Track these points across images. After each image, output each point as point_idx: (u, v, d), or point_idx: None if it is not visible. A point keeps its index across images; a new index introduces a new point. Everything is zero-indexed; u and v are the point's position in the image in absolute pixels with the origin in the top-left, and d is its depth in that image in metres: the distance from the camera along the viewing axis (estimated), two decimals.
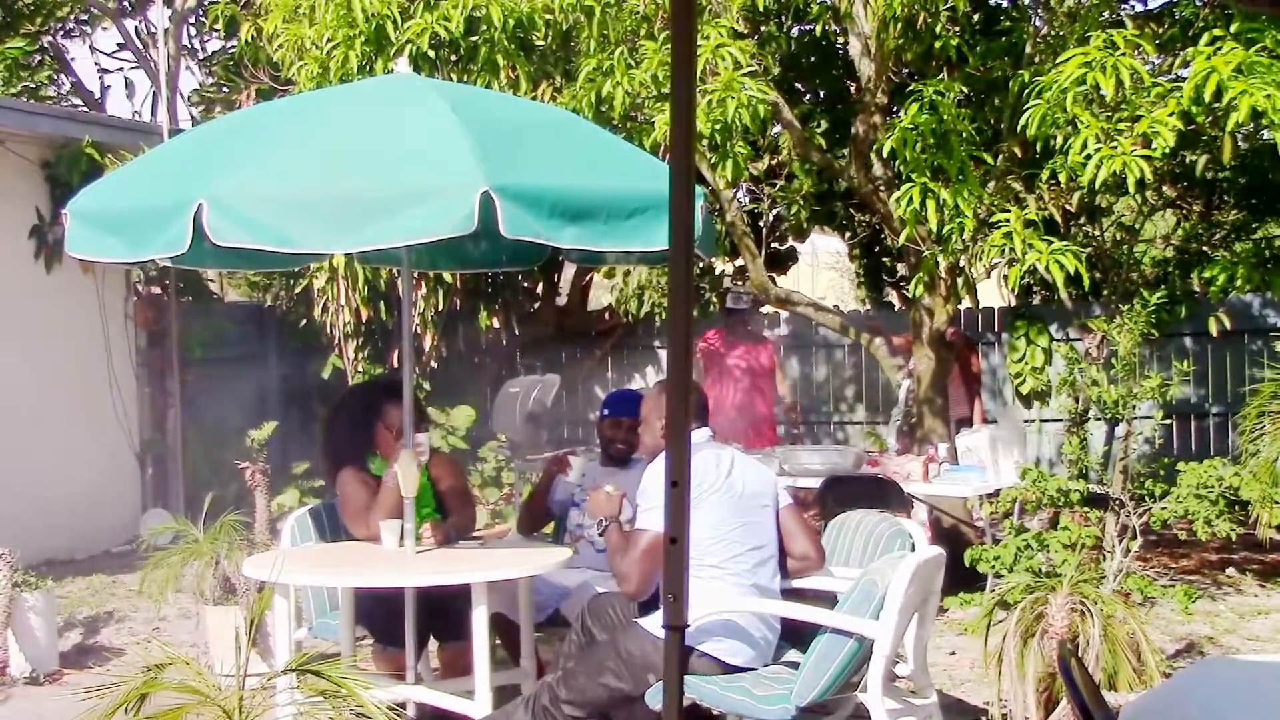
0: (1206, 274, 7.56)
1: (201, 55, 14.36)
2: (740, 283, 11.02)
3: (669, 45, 6.95)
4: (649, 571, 4.35)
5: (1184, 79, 6.30)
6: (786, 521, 4.63)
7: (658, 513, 4.26)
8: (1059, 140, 6.37)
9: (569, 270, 11.77)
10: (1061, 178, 6.77)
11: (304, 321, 10.73)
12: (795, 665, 4.30)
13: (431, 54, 7.38)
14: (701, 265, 10.42)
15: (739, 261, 11.03)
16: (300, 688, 3.29)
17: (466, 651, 4.59)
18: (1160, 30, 7.41)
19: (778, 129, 8.68)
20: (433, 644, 5.30)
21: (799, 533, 4.65)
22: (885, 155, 7.20)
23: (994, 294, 10.05)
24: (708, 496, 4.38)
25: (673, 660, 2.16)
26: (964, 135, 6.81)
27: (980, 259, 6.89)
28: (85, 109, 13.79)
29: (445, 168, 4.14)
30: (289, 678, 3.37)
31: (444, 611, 4.93)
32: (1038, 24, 7.50)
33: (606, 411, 5.65)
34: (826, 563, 4.76)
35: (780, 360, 9.84)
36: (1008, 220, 6.53)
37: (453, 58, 7.66)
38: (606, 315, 11.82)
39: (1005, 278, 7.07)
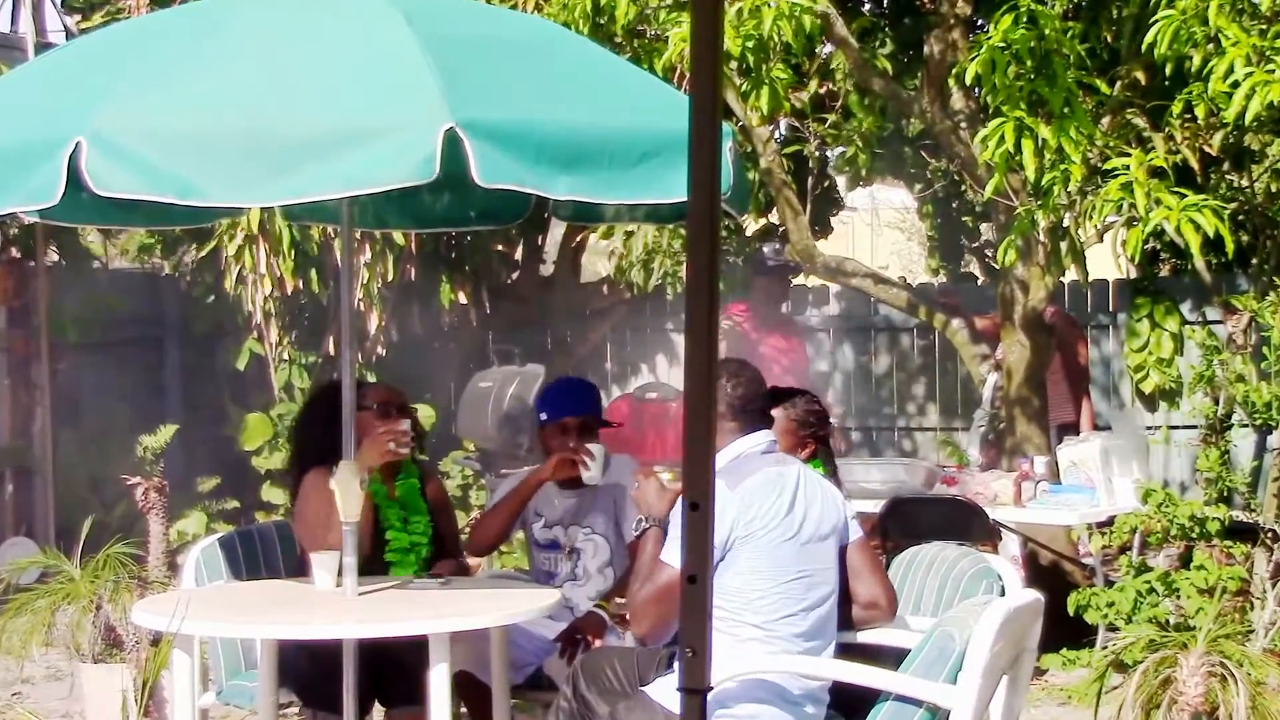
0: None
1: None
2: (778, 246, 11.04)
3: None
4: (667, 616, 4.32)
5: None
6: (854, 559, 4.62)
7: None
8: (1196, 62, 6.37)
9: (556, 231, 11.78)
10: (1199, 112, 6.76)
11: (212, 296, 10.74)
12: None
13: None
14: (729, 224, 10.43)
15: (774, 219, 11.05)
16: None
17: None
18: None
19: (829, 48, 8.67)
20: (378, 710, 5.32)
21: (868, 573, 4.64)
22: (968, 83, 7.20)
23: (1108, 263, 10.01)
24: (760, 535, 4.34)
25: None
26: (1071, 57, 6.80)
27: (1091, 217, 6.89)
28: None
29: (398, 97, 4.16)
30: None
31: (393, 670, 4.95)
32: None
33: (544, 415, 5.55)
34: None
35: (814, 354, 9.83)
36: (1127, 167, 6.53)
37: None
38: (604, 288, 11.83)
39: (1123, 242, 7.05)
